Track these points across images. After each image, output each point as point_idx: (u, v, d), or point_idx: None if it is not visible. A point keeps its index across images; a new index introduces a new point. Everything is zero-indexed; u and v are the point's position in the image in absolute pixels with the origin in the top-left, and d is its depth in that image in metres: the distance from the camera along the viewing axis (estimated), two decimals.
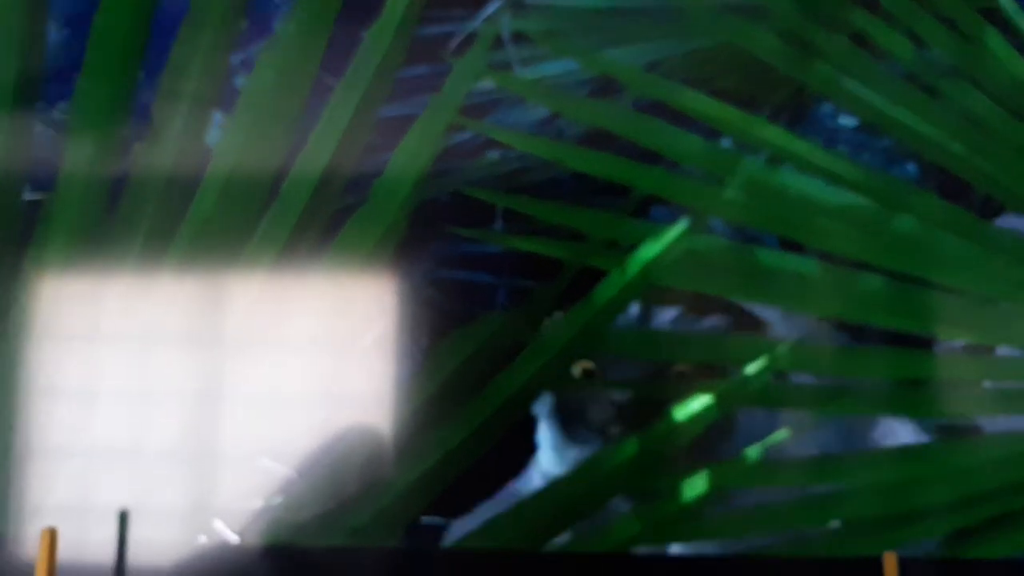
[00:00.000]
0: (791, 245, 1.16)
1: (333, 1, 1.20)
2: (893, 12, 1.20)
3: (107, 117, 1.20)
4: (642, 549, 1.10)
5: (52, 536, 1.04)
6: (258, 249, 1.15)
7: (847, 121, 1.19)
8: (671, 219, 1.16)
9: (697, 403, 1.12)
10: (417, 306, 1.14)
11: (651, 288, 1.14)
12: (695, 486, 1.10)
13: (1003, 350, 1.13)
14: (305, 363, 1.13)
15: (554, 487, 1.11)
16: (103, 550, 1.09)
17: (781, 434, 1.11)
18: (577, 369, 1.13)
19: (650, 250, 1.15)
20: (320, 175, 1.17)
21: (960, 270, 1.14)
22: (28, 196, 1.18)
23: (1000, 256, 1.15)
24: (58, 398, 1.13)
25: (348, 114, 1.18)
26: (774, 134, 1.18)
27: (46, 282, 1.16)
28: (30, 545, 1.09)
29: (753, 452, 1.11)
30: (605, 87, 1.19)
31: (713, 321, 1.13)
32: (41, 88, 1.21)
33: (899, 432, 1.11)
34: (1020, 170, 1.17)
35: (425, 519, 1.10)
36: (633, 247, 1.15)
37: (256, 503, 1.10)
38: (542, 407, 1.12)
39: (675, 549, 1.10)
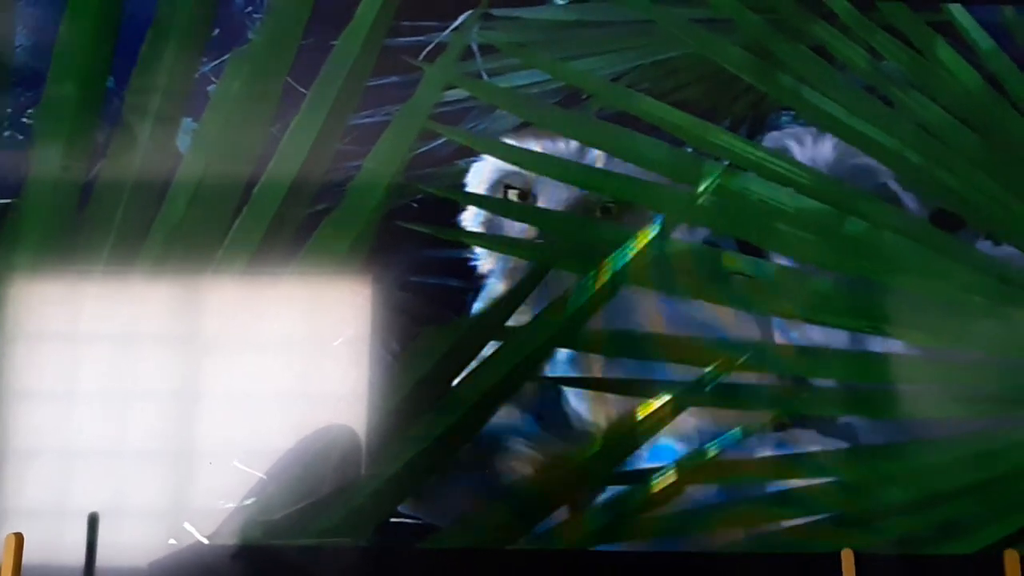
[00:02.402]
0: (748, 248, 1.18)
1: (303, 11, 1.22)
2: (849, 25, 1.23)
3: (75, 122, 1.19)
4: (607, 546, 1.11)
5: (18, 541, 1.03)
6: (231, 252, 1.16)
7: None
8: (635, 222, 1.18)
9: (657, 401, 1.13)
10: (389, 309, 1.15)
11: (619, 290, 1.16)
12: (661, 480, 1.11)
13: (956, 353, 1.15)
14: (278, 365, 1.13)
15: (525, 482, 1.11)
16: (74, 553, 1.08)
17: (735, 433, 1.12)
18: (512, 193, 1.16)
19: (622, 257, 1.16)
20: (292, 180, 1.17)
21: (913, 274, 1.17)
22: None
23: (951, 260, 1.17)
24: (28, 400, 1.13)
25: (319, 120, 1.19)
26: (733, 142, 1.20)
27: (16, 285, 1.15)
28: None
29: (712, 449, 1.12)
30: (571, 97, 1.21)
31: None
32: (10, 94, 1.20)
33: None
34: (973, 179, 1.20)
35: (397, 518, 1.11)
36: (601, 249, 1.16)
37: (229, 504, 1.10)
38: None
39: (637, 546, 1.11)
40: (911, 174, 1.20)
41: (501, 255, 1.17)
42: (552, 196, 1.18)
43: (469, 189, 1.19)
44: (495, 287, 1.16)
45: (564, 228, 1.18)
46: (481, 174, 1.19)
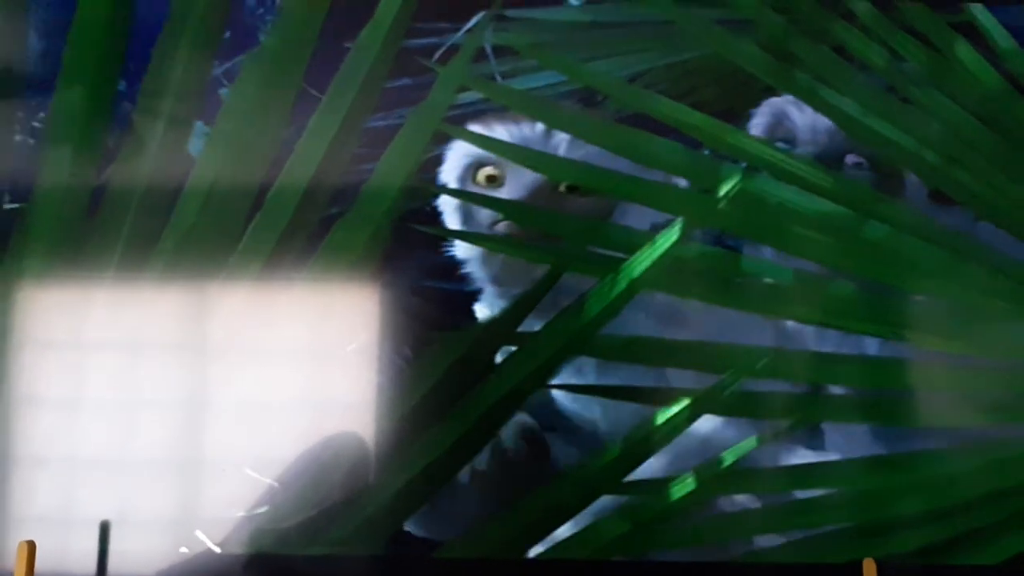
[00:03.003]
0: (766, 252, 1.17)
1: (318, 13, 1.21)
2: (869, 25, 1.22)
3: (86, 126, 1.19)
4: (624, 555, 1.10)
5: (30, 549, 1.02)
6: (243, 258, 1.15)
7: None
8: (635, 221, 1.17)
9: (676, 407, 1.12)
10: (400, 315, 1.14)
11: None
12: (677, 489, 1.11)
13: (977, 359, 1.14)
14: (289, 372, 1.13)
15: (542, 489, 1.11)
16: (85, 562, 1.08)
17: (750, 443, 1.11)
18: (481, 176, 1.15)
19: (642, 263, 1.15)
20: (306, 185, 1.16)
21: (933, 278, 1.16)
22: (7, 206, 1.17)
23: (972, 264, 1.16)
24: (38, 408, 1.12)
25: (336, 124, 1.18)
26: (752, 144, 1.19)
27: (25, 291, 1.15)
28: (9, 558, 1.06)
29: (729, 457, 1.11)
30: (586, 99, 1.20)
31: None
32: (21, 98, 1.20)
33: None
34: (993, 179, 1.18)
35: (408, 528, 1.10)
36: (613, 251, 1.15)
37: (239, 512, 1.09)
38: None
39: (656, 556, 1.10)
40: (929, 174, 1.18)
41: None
42: (520, 177, 1.17)
43: (443, 174, 1.18)
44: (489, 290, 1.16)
45: (581, 233, 1.17)
46: (454, 157, 1.18)
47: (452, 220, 1.17)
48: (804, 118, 1.19)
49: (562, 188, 1.17)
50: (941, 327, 1.15)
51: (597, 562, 1.09)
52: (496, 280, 1.16)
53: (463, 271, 1.16)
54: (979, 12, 1.22)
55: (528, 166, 1.18)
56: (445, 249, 1.16)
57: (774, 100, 1.20)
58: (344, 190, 1.16)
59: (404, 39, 1.20)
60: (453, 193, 1.18)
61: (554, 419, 1.13)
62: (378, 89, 1.19)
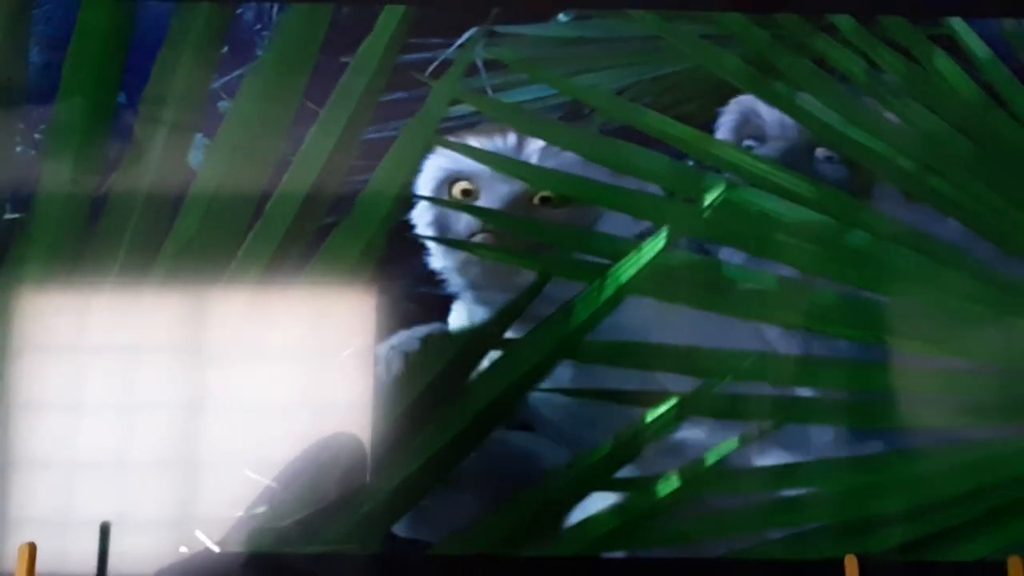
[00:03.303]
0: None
1: (319, 28, 1.23)
2: (850, 38, 1.24)
3: (85, 137, 1.20)
4: (613, 552, 1.11)
5: (31, 551, 1.03)
6: (243, 266, 1.16)
7: None
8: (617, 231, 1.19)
9: (663, 407, 1.14)
10: (395, 319, 1.16)
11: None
12: (663, 487, 1.12)
13: (957, 363, 1.16)
14: (287, 375, 1.14)
15: (535, 489, 1.12)
16: (85, 563, 1.08)
17: (730, 444, 1.13)
18: (456, 190, 1.17)
19: (629, 269, 1.17)
20: (305, 194, 1.18)
21: (913, 284, 1.17)
22: (8, 216, 1.17)
23: (952, 270, 1.18)
24: (39, 411, 1.13)
25: (334, 136, 1.20)
26: (735, 154, 1.21)
27: (26, 297, 1.16)
28: (9, 560, 1.07)
29: (712, 457, 1.13)
30: (574, 112, 1.23)
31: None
32: (22, 110, 1.21)
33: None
34: (969, 186, 1.21)
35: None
36: (599, 258, 1.17)
37: (238, 513, 1.10)
38: None
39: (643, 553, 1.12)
40: (905, 181, 1.21)
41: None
42: (494, 191, 1.19)
43: (419, 187, 1.20)
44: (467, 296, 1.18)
45: (569, 240, 1.19)
46: (428, 172, 1.20)
47: (427, 232, 1.19)
48: (773, 114, 1.21)
49: (535, 200, 1.19)
50: (922, 332, 1.17)
51: (588, 558, 1.11)
52: (473, 286, 1.18)
53: (440, 278, 1.18)
54: (958, 24, 1.25)
55: (523, 179, 1.20)
56: (423, 259, 1.18)
57: (742, 98, 1.22)
58: (341, 199, 1.18)
59: (399, 54, 1.23)
60: (448, 204, 1.19)
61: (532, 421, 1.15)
62: (375, 102, 1.21)
